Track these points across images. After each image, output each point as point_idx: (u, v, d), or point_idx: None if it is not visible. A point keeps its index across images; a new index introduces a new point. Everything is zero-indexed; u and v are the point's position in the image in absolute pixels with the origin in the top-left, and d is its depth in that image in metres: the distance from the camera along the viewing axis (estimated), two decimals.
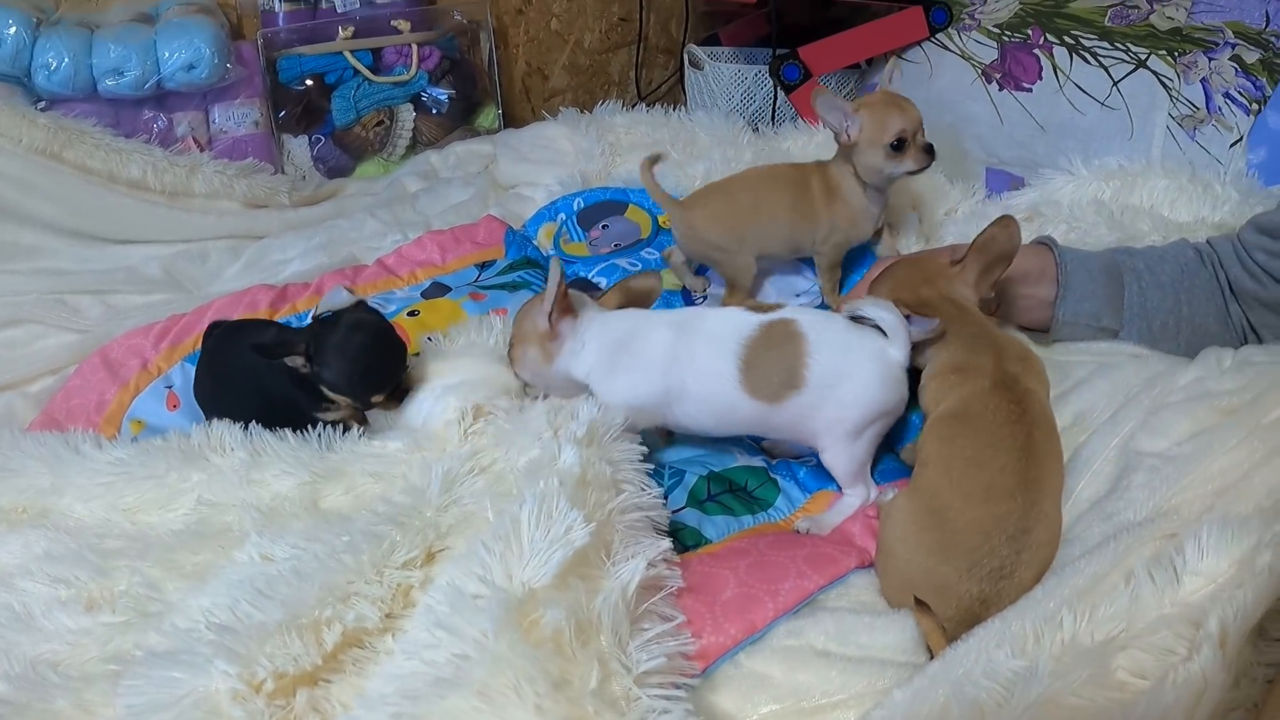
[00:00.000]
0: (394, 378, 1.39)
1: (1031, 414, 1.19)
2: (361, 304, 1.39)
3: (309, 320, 1.48)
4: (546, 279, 1.28)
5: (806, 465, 1.39)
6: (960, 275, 1.35)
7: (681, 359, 1.28)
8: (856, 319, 1.28)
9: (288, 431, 1.36)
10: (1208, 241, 1.49)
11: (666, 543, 1.11)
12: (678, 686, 0.96)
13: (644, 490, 1.19)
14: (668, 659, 0.96)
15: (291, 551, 1.09)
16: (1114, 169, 1.86)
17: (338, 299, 1.38)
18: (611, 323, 1.34)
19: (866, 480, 1.31)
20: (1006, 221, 1.34)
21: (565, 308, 1.31)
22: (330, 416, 1.40)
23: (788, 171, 1.70)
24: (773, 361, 1.25)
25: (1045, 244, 1.50)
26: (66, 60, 2.16)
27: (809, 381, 1.24)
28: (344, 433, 1.38)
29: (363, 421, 1.43)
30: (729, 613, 1.06)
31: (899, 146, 1.55)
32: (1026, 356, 1.28)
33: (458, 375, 1.41)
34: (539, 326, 1.31)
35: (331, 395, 1.36)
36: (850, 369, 1.25)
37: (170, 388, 1.62)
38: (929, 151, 1.57)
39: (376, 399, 1.38)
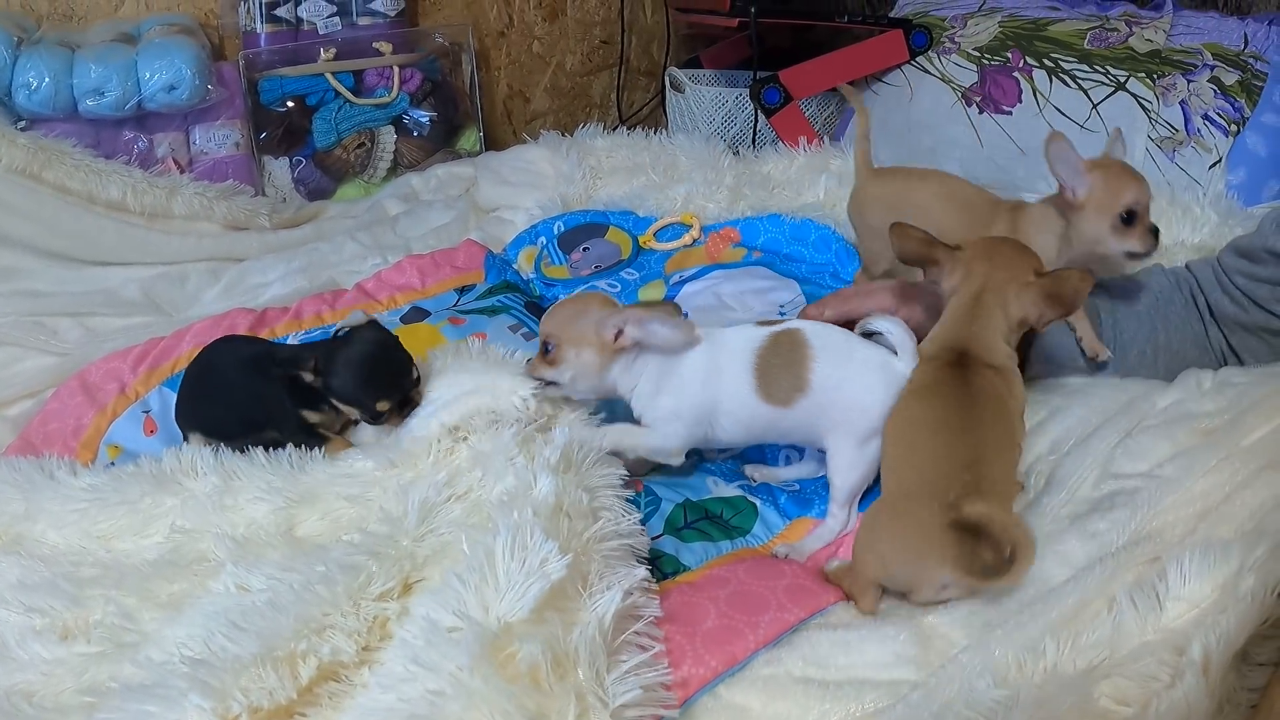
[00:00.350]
0: (398, 387, 1.38)
1: (982, 393, 1.21)
2: (372, 321, 1.41)
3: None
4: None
5: (788, 490, 1.38)
6: (1026, 290, 1.27)
7: (713, 375, 1.31)
8: (868, 334, 1.31)
9: (259, 453, 1.35)
10: (1186, 266, 1.49)
11: (643, 571, 1.10)
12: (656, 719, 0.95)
13: (623, 516, 1.18)
14: (645, 691, 0.95)
15: (267, 582, 1.07)
16: None
17: (354, 319, 1.41)
18: None
19: (852, 508, 1.32)
20: (1085, 275, 1.25)
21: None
22: (314, 418, 1.40)
23: (979, 200, 1.62)
24: (781, 368, 1.29)
25: None
26: (47, 80, 2.15)
27: (813, 385, 1.27)
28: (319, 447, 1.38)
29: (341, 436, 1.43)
30: (709, 644, 1.04)
31: (1129, 220, 1.42)
32: (1005, 372, 1.25)
33: (450, 391, 1.39)
34: (604, 333, 1.30)
35: (341, 406, 1.37)
36: (853, 375, 1.28)
37: (148, 412, 1.60)
38: (1155, 235, 1.43)
39: (383, 406, 1.37)
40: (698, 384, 1.31)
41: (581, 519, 1.12)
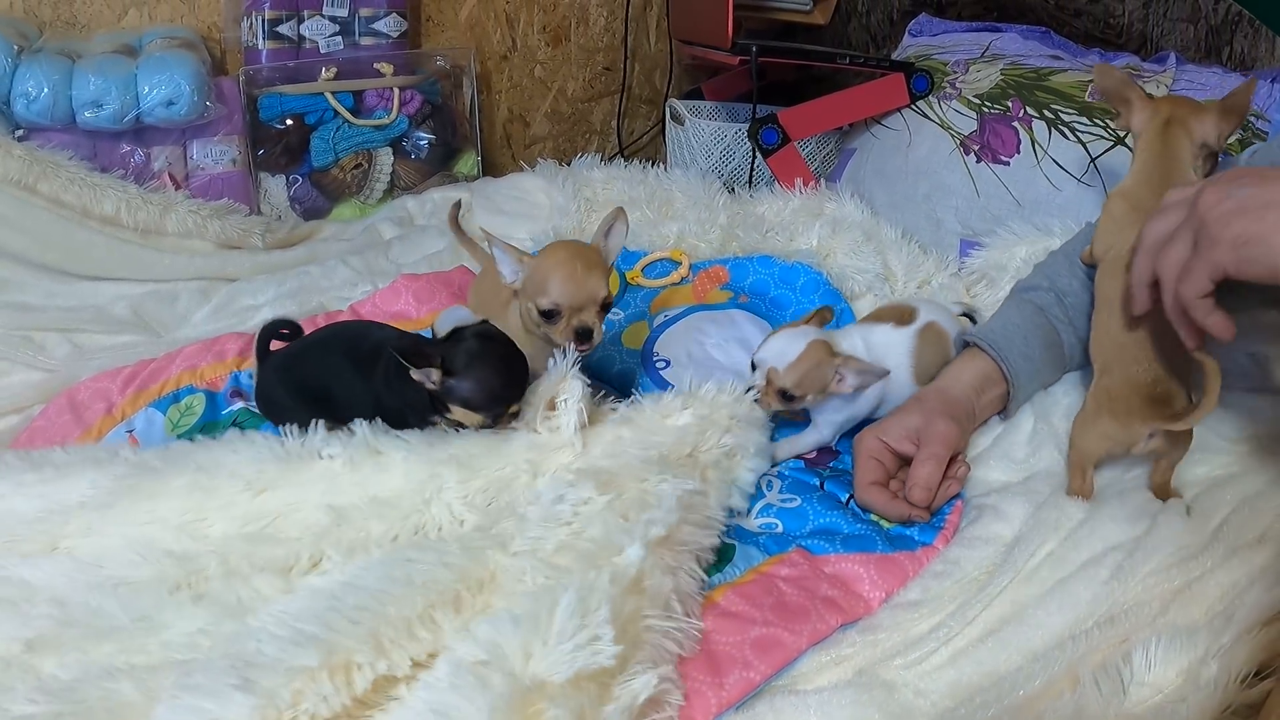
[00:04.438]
0: (520, 390, 1.34)
1: None
2: (485, 321, 1.34)
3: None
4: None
5: (767, 533, 1.36)
6: (1206, 114, 1.42)
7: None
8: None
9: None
10: None
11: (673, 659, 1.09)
12: None
13: (688, 618, 1.14)
14: None
15: (347, 581, 1.09)
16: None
17: (457, 315, 1.36)
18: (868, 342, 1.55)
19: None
20: (1249, 82, 1.44)
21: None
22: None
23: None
24: (930, 355, 1.57)
25: (975, 346, 1.53)
26: (46, 90, 2.13)
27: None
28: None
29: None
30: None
31: (550, 317, 1.37)
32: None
33: None
34: (829, 381, 1.47)
35: (457, 412, 1.31)
36: None
37: (131, 431, 1.58)
38: (583, 335, 1.37)
39: (514, 409, 1.34)
40: (874, 393, 1.51)
41: (654, 604, 1.10)
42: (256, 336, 1.50)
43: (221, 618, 1.08)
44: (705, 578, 1.23)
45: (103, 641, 1.07)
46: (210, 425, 1.57)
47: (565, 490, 1.23)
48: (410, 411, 1.35)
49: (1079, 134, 2.03)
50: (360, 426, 1.32)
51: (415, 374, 1.25)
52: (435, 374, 1.26)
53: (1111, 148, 1.99)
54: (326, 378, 1.40)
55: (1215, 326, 1.07)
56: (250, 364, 1.66)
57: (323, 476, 1.27)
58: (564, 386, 1.34)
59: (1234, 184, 1.03)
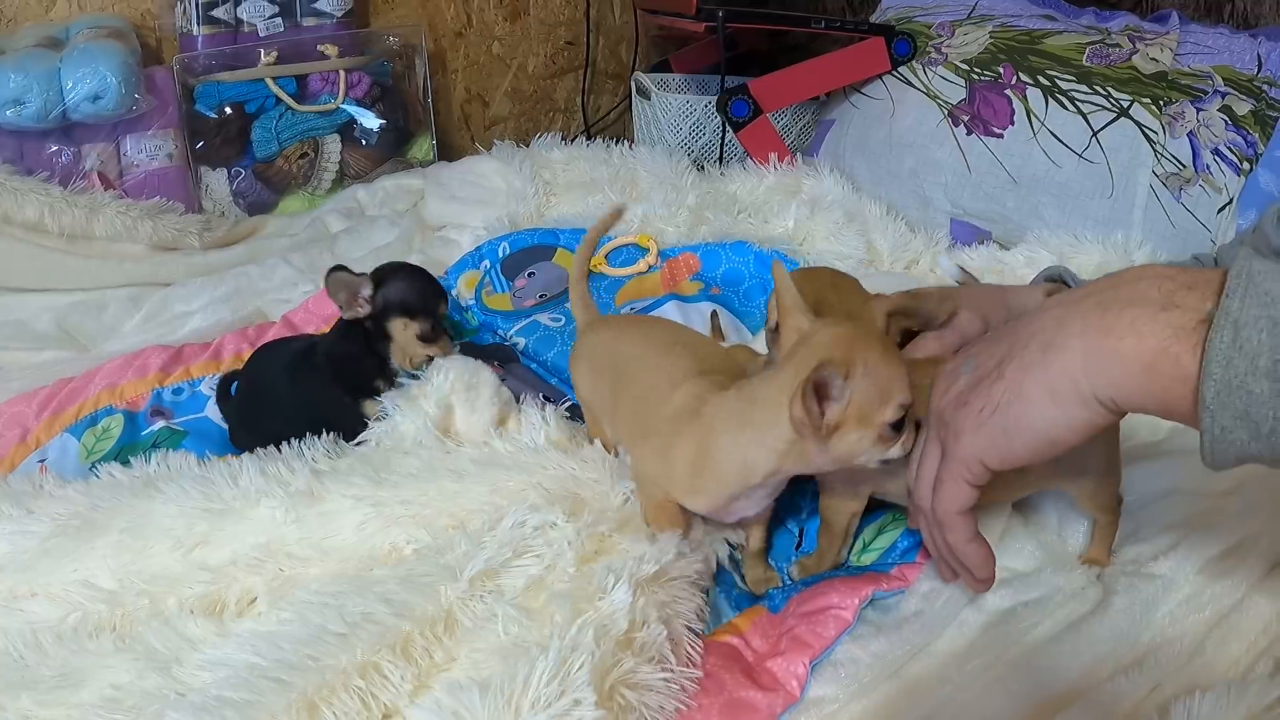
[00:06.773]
0: (442, 296, 1.44)
1: None
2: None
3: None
4: None
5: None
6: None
7: None
8: None
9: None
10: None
11: None
12: None
13: (685, 666, 1.00)
14: None
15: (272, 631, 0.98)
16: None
17: None
18: None
19: None
20: None
21: None
22: (373, 409, 1.37)
23: None
24: None
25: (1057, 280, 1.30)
26: None
27: None
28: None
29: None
30: None
31: None
32: None
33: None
34: None
35: (399, 323, 1.38)
36: None
37: (43, 462, 1.46)
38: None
39: (443, 309, 1.43)
40: None
41: (643, 660, 0.95)
42: (215, 388, 1.55)
43: (145, 669, 0.98)
44: (705, 606, 1.08)
45: (20, 694, 0.98)
46: (129, 447, 1.47)
47: (526, 515, 1.10)
48: (348, 394, 1.40)
49: (1078, 103, 1.88)
50: (300, 470, 1.21)
51: (347, 312, 1.37)
52: (367, 288, 1.37)
53: (1115, 119, 1.83)
54: (272, 410, 1.43)
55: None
56: (173, 380, 1.61)
57: (262, 529, 1.15)
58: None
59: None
